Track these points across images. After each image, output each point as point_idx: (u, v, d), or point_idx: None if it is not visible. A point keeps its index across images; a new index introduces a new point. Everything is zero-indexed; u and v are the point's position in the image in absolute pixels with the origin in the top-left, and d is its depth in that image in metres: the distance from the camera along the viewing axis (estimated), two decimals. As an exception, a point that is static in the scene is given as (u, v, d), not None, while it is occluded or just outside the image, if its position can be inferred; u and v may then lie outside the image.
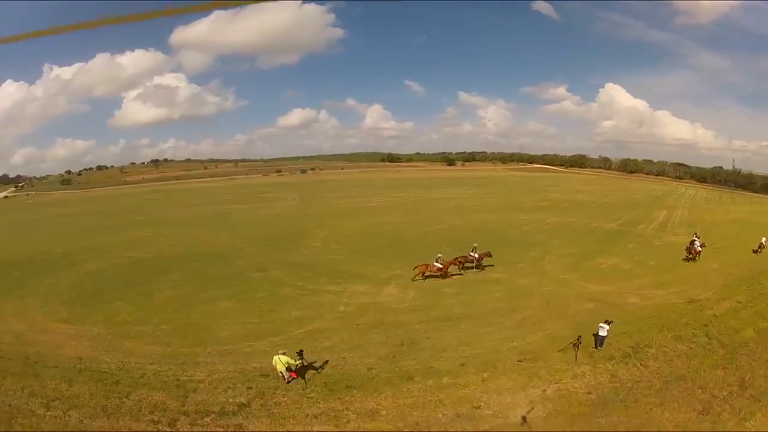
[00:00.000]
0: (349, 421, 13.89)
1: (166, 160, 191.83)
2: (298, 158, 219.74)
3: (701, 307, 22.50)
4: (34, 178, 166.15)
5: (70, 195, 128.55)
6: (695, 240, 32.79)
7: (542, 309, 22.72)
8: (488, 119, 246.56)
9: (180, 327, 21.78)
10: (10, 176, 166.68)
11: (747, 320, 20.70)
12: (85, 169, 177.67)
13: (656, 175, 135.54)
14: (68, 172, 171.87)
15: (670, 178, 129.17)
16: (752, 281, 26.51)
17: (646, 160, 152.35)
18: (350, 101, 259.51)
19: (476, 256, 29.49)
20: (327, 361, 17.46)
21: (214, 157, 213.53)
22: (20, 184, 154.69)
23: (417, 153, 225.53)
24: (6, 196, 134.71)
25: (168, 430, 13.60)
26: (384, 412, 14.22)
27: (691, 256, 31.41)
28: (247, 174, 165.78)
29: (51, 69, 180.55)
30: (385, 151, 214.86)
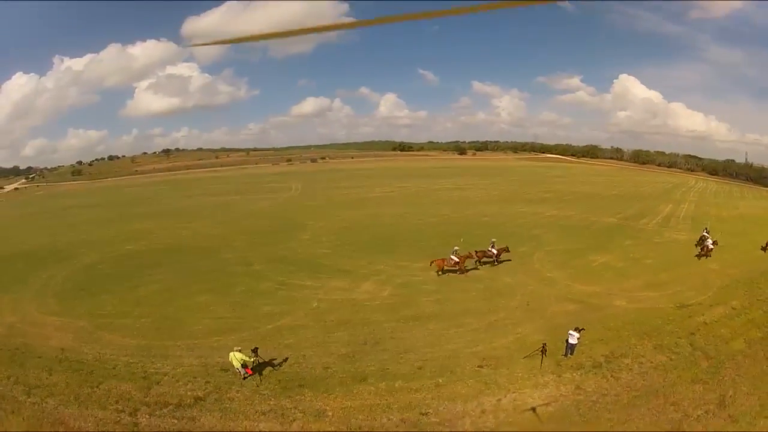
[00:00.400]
0: (294, 420, 13.95)
1: (177, 149, 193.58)
2: (309, 147, 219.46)
3: (691, 312, 21.40)
4: (45, 169, 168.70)
5: (80, 186, 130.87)
6: (706, 237, 31.74)
7: (519, 310, 22.10)
8: (502, 108, 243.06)
9: (158, 320, 22.15)
10: (21, 168, 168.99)
11: (739, 329, 19.54)
12: (96, 160, 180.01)
13: (668, 167, 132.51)
14: (79, 162, 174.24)
15: (681, 170, 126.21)
16: (751, 284, 25.20)
17: (658, 151, 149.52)
18: (364, 90, 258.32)
19: (495, 251, 28.94)
20: (286, 359, 17.49)
21: (227, 146, 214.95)
22: (31, 176, 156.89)
23: (430, 142, 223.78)
24: (17, 188, 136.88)
25: (129, 419, 14.26)
26: (330, 413, 14.18)
27: (703, 253, 30.42)
28: (257, 163, 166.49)
29: (62, 61, 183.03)
30: (399, 139, 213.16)
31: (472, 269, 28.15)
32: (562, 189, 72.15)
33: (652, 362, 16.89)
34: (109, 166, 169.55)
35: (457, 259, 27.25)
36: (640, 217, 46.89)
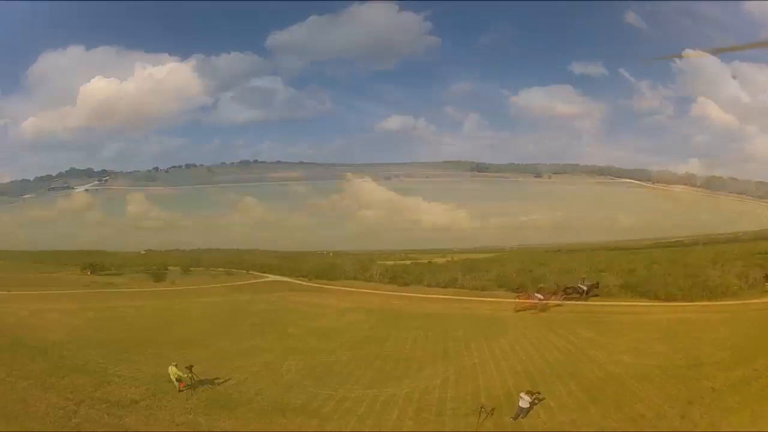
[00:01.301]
0: (201, 436, 13.86)
1: (256, 161, 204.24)
2: (389, 164, 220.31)
3: (702, 374, 17.01)
4: (120, 172, 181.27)
5: (149, 192, 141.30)
6: None
7: (499, 356, 19.88)
8: (584, 131, 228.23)
9: (145, 327, 24.07)
10: (95, 170, 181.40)
11: (750, 398, 15.06)
12: (173, 167, 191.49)
13: (738, 194, 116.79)
14: (156, 168, 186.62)
15: (752, 198, 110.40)
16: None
17: (731, 177, 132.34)
18: (449, 109, 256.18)
19: (585, 287, 27.43)
20: (228, 380, 17.62)
21: (306, 161, 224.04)
22: (105, 178, 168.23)
23: (511, 163, 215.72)
24: (87, 190, 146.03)
25: (73, 407, 15.38)
26: (235, 437, 13.85)
27: None
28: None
29: (144, 68, 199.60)
30: (482, 160, 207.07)
31: (555, 305, 26.29)
32: (620, 218, 65.58)
33: (617, 437, 13.85)
34: (185, 173, 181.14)
35: (542, 297, 25.92)
36: (692, 249, 40.47)
